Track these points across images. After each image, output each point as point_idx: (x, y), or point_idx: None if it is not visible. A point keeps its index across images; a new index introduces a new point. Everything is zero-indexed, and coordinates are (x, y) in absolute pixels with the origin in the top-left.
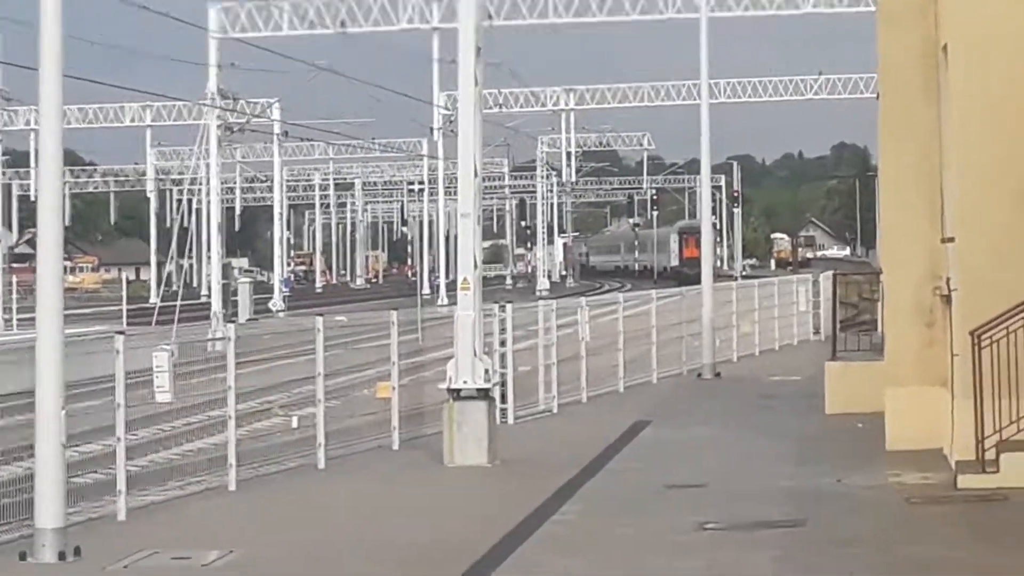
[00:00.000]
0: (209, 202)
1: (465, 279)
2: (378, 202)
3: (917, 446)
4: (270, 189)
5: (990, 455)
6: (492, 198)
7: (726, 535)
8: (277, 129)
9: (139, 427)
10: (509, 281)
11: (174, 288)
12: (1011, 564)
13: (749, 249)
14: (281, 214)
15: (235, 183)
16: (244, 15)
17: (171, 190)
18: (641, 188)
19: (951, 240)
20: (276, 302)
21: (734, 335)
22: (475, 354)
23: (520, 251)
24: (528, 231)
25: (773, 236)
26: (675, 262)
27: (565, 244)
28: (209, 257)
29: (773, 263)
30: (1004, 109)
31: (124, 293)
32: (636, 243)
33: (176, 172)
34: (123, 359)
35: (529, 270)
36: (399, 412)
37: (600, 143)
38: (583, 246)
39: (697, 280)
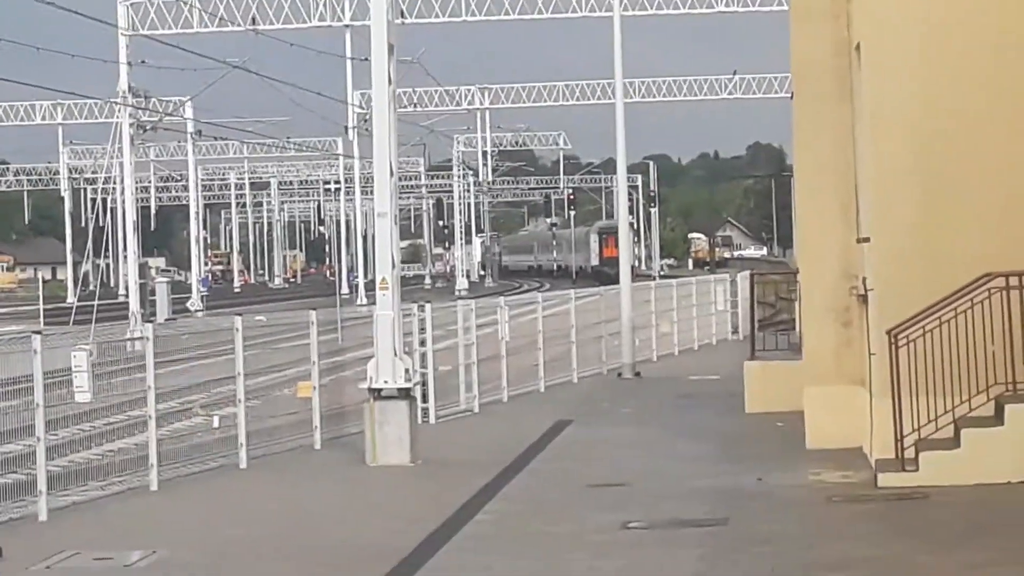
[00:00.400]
0: (124, 201)
1: (384, 279)
2: (295, 201)
3: (837, 445)
4: (185, 188)
5: (909, 454)
6: (409, 197)
7: (648, 534)
8: (191, 128)
9: (59, 427)
10: (428, 281)
11: (91, 288)
12: (932, 562)
13: (667, 249)
14: (197, 213)
15: (150, 182)
16: (153, 11)
17: (85, 189)
18: (558, 188)
19: (866, 240)
20: (194, 302)
21: (653, 335)
22: (395, 354)
23: (438, 251)
24: (446, 231)
25: (690, 236)
26: (595, 262)
27: (483, 244)
28: (126, 256)
29: (691, 263)
30: (916, 109)
31: (41, 293)
32: (554, 243)
33: (90, 171)
34: (41, 359)
35: (448, 270)
36: (320, 412)
37: (516, 142)
38: (496, 246)
39: (617, 280)
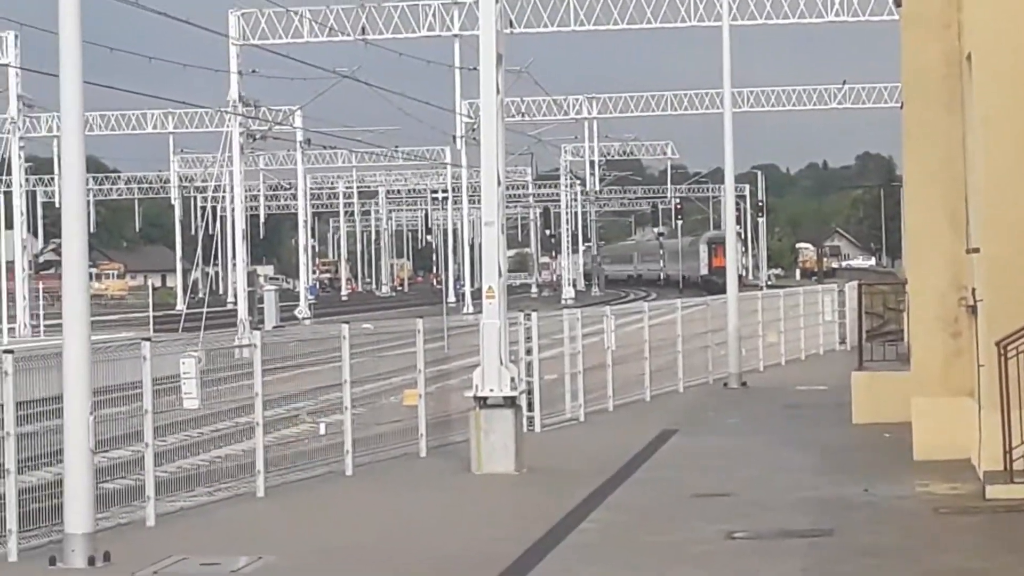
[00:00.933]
0: (233, 209)
1: (490, 287)
2: (402, 210)
3: (944, 456)
4: (294, 197)
5: (1018, 465)
6: (516, 207)
7: (753, 544)
8: (300, 137)
9: (167, 433)
10: (534, 290)
11: (200, 295)
12: None
13: (774, 259)
14: (306, 222)
15: (259, 190)
16: (264, 21)
17: (195, 197)
18: (665, 197)
19: (976, 250)
20: (302, 309)
21: (760, 344)
22: (501, 362)
23: (545, 260)
24: (553, 240)
25: (798, 246)
26: (704, 271)
27: (588, 253)
28: (234, 264)
29: (798, 273)
30: None
31: (150, 300)
32: (661, 251)
33: (199, 179)
34: (150, 365)
35: (554, 279)
36: (426, 419)
37: (623, 152)
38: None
39: (726, 289)
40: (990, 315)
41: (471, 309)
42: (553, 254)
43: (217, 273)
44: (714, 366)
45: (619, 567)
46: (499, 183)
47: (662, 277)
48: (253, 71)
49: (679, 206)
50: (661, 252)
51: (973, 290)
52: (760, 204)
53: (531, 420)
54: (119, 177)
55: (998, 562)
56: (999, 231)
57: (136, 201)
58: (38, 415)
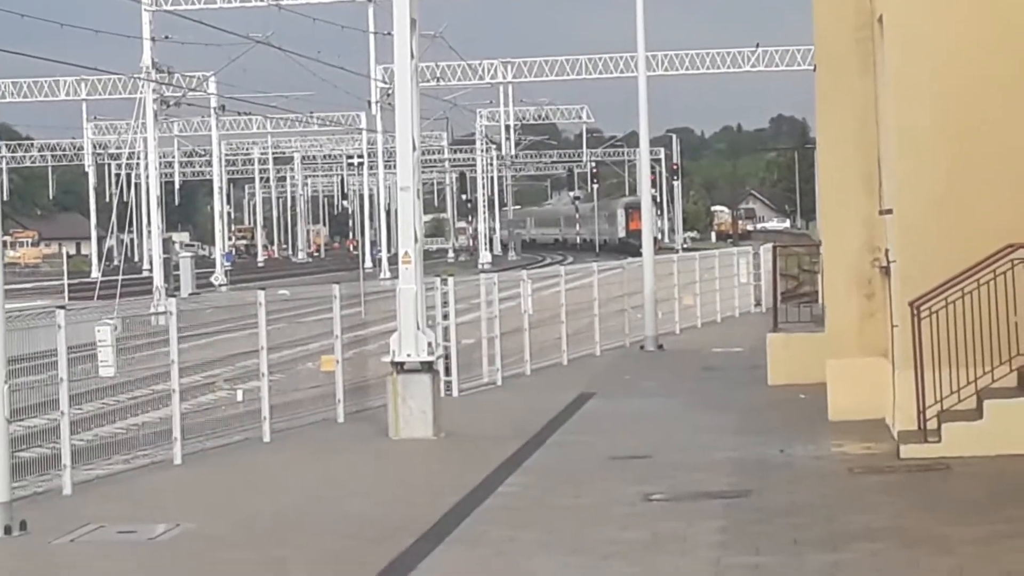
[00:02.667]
0: (147, 176)
1: (407, 253)
2: (318, 176)
3: (859, 417)
4: (209, 163)
5: (932, 425)
6: (432, 171)
7: (671, 506)
8: (214, 103)
9: (83, 401)
10: (451, 254)
11: (115, 263)
12: (954, 533)
13: (690, 222)
14: (221, 188)
15: (173, 157)
16: None
17: (109, 164)
18: (580, 161)
19: (889, 212)
20: (218, 276)
21: (676, 307)
22: (418, 327)
23: (461, 225)
24: (469, 204)
25: (713, 209)
26: (622, 234)
27: (504, 218)
28: (149, 231)
29: (714, 236)
30: (939, 80)
31: (65, 268)
32: (577, 216)
33: (114, 146)
34: (65, 333)
35: (471, 243)
36: (343, 385)
37: (539, 116)
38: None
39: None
40: (903, 276)
41: (388, 275)
42: (469, 219)
43: (132, 240)
44: (631, 329)
45: (537, 530)
46: (414, 148)
47: (579, 241)
48: (166, 37)
49: (595, 170)
50: (578, 216)
51: (886, 251)
52: (675, 167)
53: (448, 385)
54: (32, 145)
55: (912, 520)
56: (911, 192)
57: (50, 168)
58: None
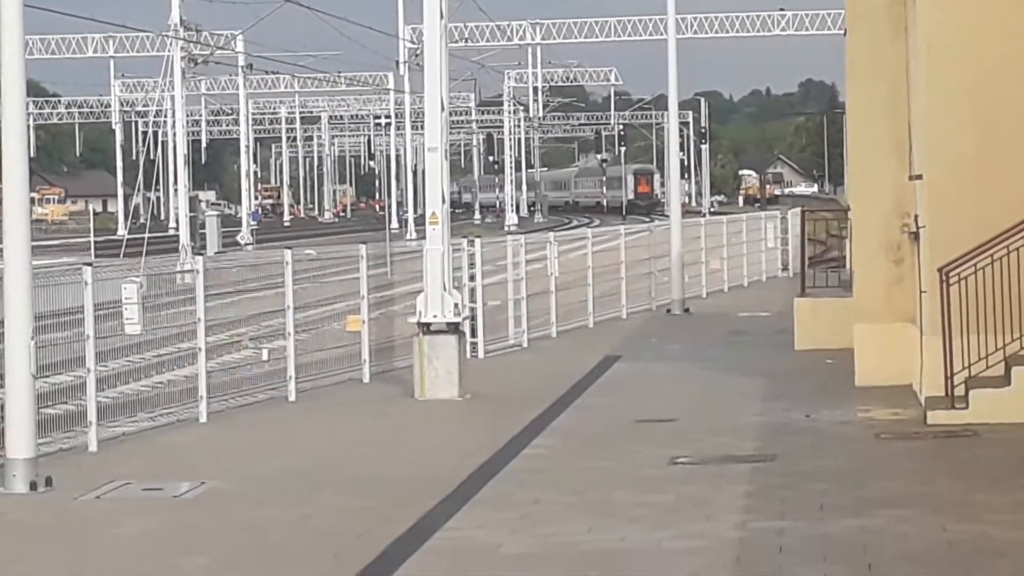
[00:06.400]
0: (175, 134)
1: (434, 213)
2: (345, 136)
3: (886, 382)
4: (236, 122)
5: (959, 391)
6: (459, 133)
7: (696, 470)
8: (241, 61)
9: (109, 359)
10: (477, 216)
11: (142, 220)
12: (981, 499)
13: (717, 186)
14: (247, 147)
15: (200, 116)
16: None
17: (136, 122)
18: (608, 124)
19: (919, 177)
20: (244, 235)
21: (703, 271)
22: (444, 288)
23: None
24: (496, 166)
25: (741, 173)
26: (630, 196)
27: (531, 180)
28: (176, 190)
29: (741, 200)
30: (970, 45)
31: (91, 225)
32: (604, 179)
33: (141, 104)
34: (92, 291)
35: (498, 205)
36: (369, 345)
37: (567, 78)
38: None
39: (647, 212)
40: (932, 241)
41: (414, 235)
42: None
43: (159, 198)
44: (657, 293)
45: (563, 492)
46: (443, 108)
47: (595, 203)
48: None
49: (623, 133)
50: (604, 179)
51: (916, 216)
52: (703, 131)
53: (474, 346)
54: (59, 101)
55: (939, 487)
56: (942, 157)
57: (77, 126)
58: None
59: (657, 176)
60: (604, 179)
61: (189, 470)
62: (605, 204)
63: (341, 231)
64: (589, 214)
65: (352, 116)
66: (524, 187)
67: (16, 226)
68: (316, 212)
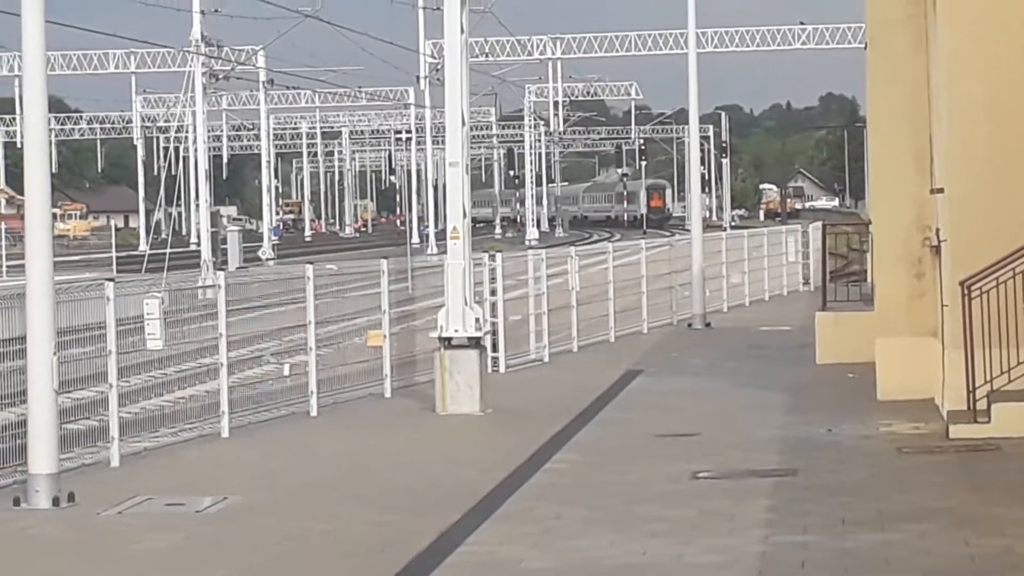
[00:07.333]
0: (196, 150)
1: (455, 228)
2: (366, 151)
3: (908, 396)
4: (257, 137)
5: (981, 405)
6: (480, 147)
7: (717, 484)
8: (263, 77)
9: (131, 374)
10: (498, 230)
11: (163, 236)
12: (1004, 514)
13: (738, 200)
14: (269, 162)
15: (222, 131)
16: None
17: (158, 137)
18: (629, 138)
19: (940, 191)
20: (266, 250)
21: (724, 285)
22: (466, 303)
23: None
24: (516, 180)
25: (762, 187)
26: (644, 211)
27: (552, 195)
28: (197, 205)
29: (762, 214)
30: (992, 58)
31: (113, 240)
32: (625, 193)
33: (162, 119)
34: (114, 306)
35: (518, 219)
36: (391, 360)
37: (587, 93)
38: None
39: (660, 225)
40: (954, 255)
41: (435, 250)
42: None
43: (180, 214)
44: (678, 307)
45: (584, 507)
46: (463, 123)
47: (607, 217)
48: (216, 10)
49: (643, 147)
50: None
51: (937, 230)
52: (724, 145)
53: (496, 361)
54: (81, 117)
55: (961, 501)
56: (963, 170)
57: (98, 141)
58: (1, 356)
59: (668, 191)
60: (625, 193)
61: (211, 485)
62: (624, 218)
63: (362, 246)
64: (609, 228)
65: (373, 131)
66: (544, 201)
67: (38, 242)
68: (337, 227)
